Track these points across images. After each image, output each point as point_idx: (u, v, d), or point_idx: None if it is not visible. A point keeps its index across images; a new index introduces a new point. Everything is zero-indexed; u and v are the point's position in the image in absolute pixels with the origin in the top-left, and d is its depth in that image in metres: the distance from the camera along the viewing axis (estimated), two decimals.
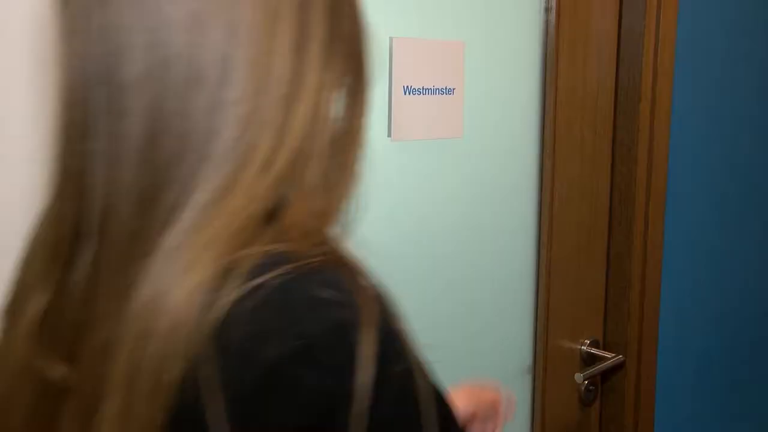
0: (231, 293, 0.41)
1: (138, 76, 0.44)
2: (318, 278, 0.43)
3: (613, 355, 1.47)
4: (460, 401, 0.82)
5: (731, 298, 1.57)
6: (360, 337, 0.41)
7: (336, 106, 0.50)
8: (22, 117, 1.00)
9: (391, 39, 1.17)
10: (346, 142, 0.50)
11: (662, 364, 1.51)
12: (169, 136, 0.44)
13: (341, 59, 0.49)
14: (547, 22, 1.32)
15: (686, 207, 1.50)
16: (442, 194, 1.28)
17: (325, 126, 0.48)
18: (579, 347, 1.46)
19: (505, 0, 1.30)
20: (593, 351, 1.48)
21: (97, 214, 0.46)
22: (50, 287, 0.50)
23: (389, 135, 1.19)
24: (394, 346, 0.43)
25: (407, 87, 1.21)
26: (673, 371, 1.53)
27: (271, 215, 0.46)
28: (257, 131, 0.45)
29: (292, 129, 0.46)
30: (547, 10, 1.32)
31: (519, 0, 1.32)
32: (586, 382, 1.46)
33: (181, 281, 0.42)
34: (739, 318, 1.59)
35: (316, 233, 0.46)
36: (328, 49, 0.48)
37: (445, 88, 1.25)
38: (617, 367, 1.50)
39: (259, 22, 0.45)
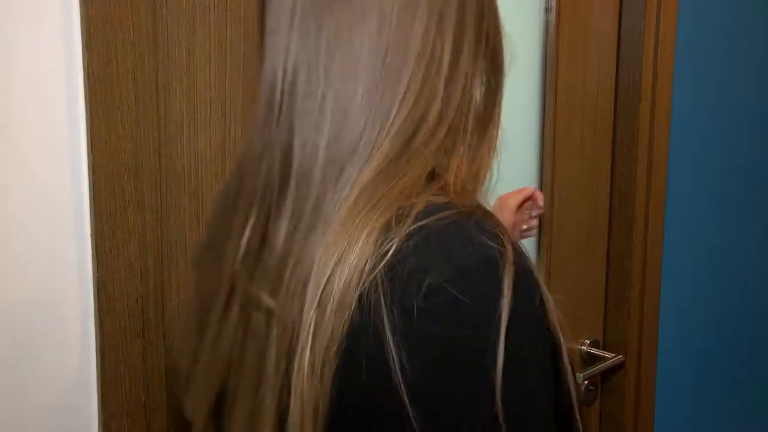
0: (401, 232, 0.53)
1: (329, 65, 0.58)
2: (471, 223, 0.54)
3: (613, 355, 1.47)
4: (504, 215, 1.06)
5: (731, 298, 1.57)
6: (503, 270, 0.52)
7: (478, 91, 0.63)
8: (23, 118, 1.00)
9: None
10: (487, 120, 0.63)
11: (662, 364, 1.51)
12: (356, 113, 0.57)
13: (486, 54, 0.63)
14: (547, 22, 1.32)
15: (686, 207, 1.50)
16: None
17: (472, 106, 0.61)
18: (579, 347, 1.46)
19: (504, 0, 1.31)
20: (593, 351, 1.48)
21: (295, 175, 0.58)
22: (257, 230, 0.62)
23: None
24: (527, 280, 0.54)
25: None
26: (673, 371, 1.53)
27: (433, 176, 0.58)
28: (427, 107, 0.58)
29: (451, 106, 0.59)
30: (547, 10, 1.32)
31: (519, 0, 1.32)
32: (586, 382, 1.46)
33: (364, 224, 0.54)
34: (739, 318, 1.58)
35: (467, 191, 0.59)
36: (477, 45, 0.62)
37: None
38: (617, 367, 1.50)
39: (430, 22, 0.58)
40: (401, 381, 0.51)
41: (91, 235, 1.03)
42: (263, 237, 0.62)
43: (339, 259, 0.54)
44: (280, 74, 0.60)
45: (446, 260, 0.52)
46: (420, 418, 0.51)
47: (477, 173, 0.61)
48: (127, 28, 0.99)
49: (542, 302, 0.56)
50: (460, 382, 0.52)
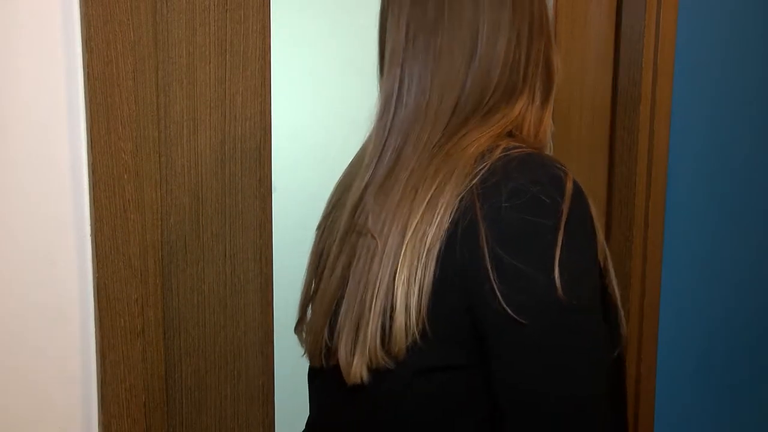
0: (493, 156, 0.75)
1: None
2: (543, 156, 0.77)
3: None
4: None
5: (731, 298, 1.57)
6: (566, 185, 0.72)
7: (541, 74, 0.84)
8: (23, 118, 1.00)
9: None
10: (548, 94, 0.85)
11: (662, 364, 1.51)
12: (451, 107, 0.80)
13: (546, 45, 0.84)
14: None
15: (686, 207, 1.50)
16: None
17: (537, 86, 0.84)
18: None
19: None
20: None
21: (401, 138, 0.81)
22: (365, 177, 0.81)
23: None
24: (582, 198, 0.74)
25: None
26: (673, 371, 1.53)
27: (511, 133, 0.81)
28: (515, 80, 0.81)
29: (527, 83, 0.82)
30: None
31: None
32: None
33: (466, 150, 0.76)
34: (740, 318, 1.59)
35: (536, 143, 0.82)
36: (544, 44, 0.84)
37: None
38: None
39: (511, 38, 0.81)
40: (489, 257, 0.71)
41: (91, 235, 1.03)
42: (380, 185, 0.80)
43: (446, 176, 0.75)
44: (397, 83, 0.81)
45: (525, 174, 0.73)
46: (500, 286, 0.70)
47: (541, 134, 0.84)
48: (127, 28, 0.99)
49: (592, 220, 0.77)
50: (530, 256, 0.71)
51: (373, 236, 0.78)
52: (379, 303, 0.75)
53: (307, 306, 0.92)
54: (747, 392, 1.62)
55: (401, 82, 0.81)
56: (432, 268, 0.73)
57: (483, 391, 0.77)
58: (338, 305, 0.81)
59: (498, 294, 0.70)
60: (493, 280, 0.70)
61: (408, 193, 0.77)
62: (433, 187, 0.75)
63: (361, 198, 0.82)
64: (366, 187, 0.82)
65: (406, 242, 0.75)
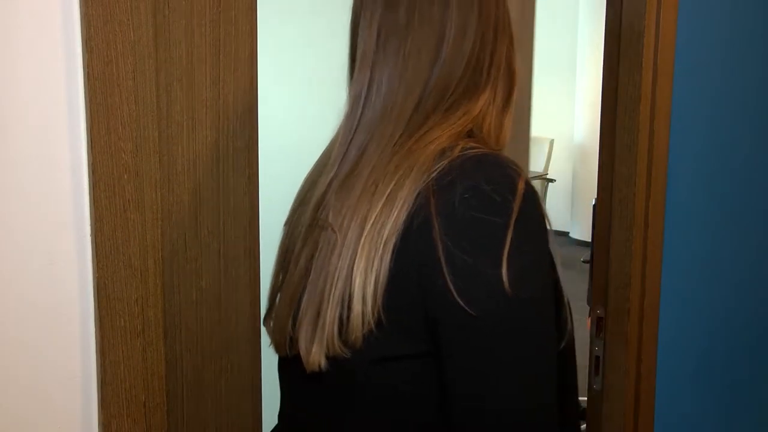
0: (450, 155, 0.78)
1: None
2: (497, 156, 0.79)
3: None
4: None
5: (731, 298, 1.57)
6: (518, 184, 0.75)
7: (504, 79, 0.88)
8: (23, 118, 1.00)
9: None
10: (508, 98, 0.89)
11: (662, 364, 1.51)
12: (418, 100, 0.83)
13: (509, 50, 0.89)
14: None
15: (686, 207, 1.50)
16: None
17: (498, 89, 0.87)
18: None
19: None
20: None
21: (366, 135, 0.84)
22: (330, 174, 0.85)
23: None
24: (534, 198, 0.77)
25: None
26: (673, 371, 1.53)
27: (472, 132, 0.84)
28: (478, 79, 0.85)
29: (489, 82, 0.86)
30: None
31: None
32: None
33: (427, 148, 0.80)
34: (740, 318, 1.59)
35: (496, 146, 0.86)
36: (507, 48, 0.88)
37: None
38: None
39: (476, 41, 0.85)
40: (442, 251, 0.74)
41: (91, 235, 1.03)
42: (343, 180, 0.84)
43: (406, 171, 0.79)
44: (366, 84, 0.85)
45: (479, 173, 0.76)
46: (453, 279, 0.74)
47: (500, 137, 0.88)
48: (127, 28, 0.99)
49: (542, 219, 0.79)
50: (480, 252, 0.74)
51: (333, 230, 0.81)
52: (338, 293, 0.79)
53: (274, 299, 0.95)
54: (747, 392, 1.62)
55: (370, 83, 0.85)
56: (388, 260, 0.77)
57: (436, 380, 0.80)
58: (301, 297, 0.84)
59: (451, 287, 0.74)
60: (446, 274, 0.74)
61: (368, 187, 0.80)
62: (393, 183, 0.79)
63: (324, 194, 0.85)
64: (330, 183, 0.85)
65: (365, 235, 0.78)
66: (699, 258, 1.53)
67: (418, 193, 0.77)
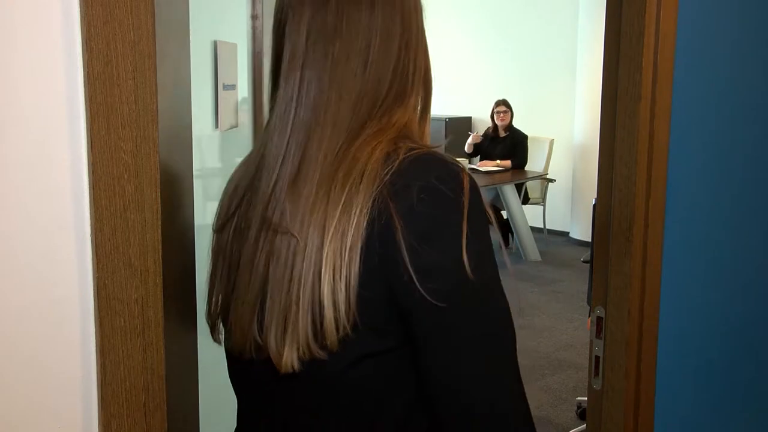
0: (398, 157, 0.83)
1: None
2: (438, 155, 0.85)
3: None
4: None
5: (731, 298, 1.57)
6: (464, 179, 0.82)
7: (421, 93, 0.94)
8: (23, 118, 1.00)
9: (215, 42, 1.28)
10: (426, 103, 0.95)
11: (662, 364, 1.51)
12: (352, 105, 0.88)
13: (425, 63, 0.94)
14: (254, 28, 1.49)
15: (686, 207, 1.50)
16: None
17: (418, 102, 0.93)
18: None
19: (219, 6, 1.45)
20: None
21: (303, 139, 0.87)
22: (272, 175, 0.88)
23: (216, 126, 1.33)
24: (477, 190, 0.83)
25: (225, 84, 1.37)
26: (673, 371, 1.53)
27: (406, 135, 0.89)
28: (404, 86, 0.91)
29: (413, 89, 0.92)
30: (253, 17, 1.46)
31: (226, 4, 1.43)
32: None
33: (371, 154, 0.84)
34: (740, 318, 1.59)
35: (425, 144, 0.89)
36: (424, 60, 0.94)
37: (232, 85, 1.40)
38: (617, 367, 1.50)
39: (401, 49, 0.90)
40: (406, 250, 0.80)
41: (91, 235, 1.03)
42: (290, 183, 0.86)
43: (356, 179, 0.83)
44: (296, 85, 0.88)
45: (430, 173, 0.82)
46: (417, 276, 0.80)
47: (425, 138, 0.94)
48: (127, 28, 0.99)
49: (484, 207, 0.84)
50: (442, 246, 0.81)
51: (293, 234, 0.84)
52: (306, 299, 0.83)
53: (214, 300, 0.97)
54: (746, 392, 1.62)
55: (301, 84, 0.88)
56: (356, 266, 0.81)
57: (411, 371, 0.86)
58: (263, 301, 0.87)
59: (416, 283, 0.80)
60: (411, 271, 0.80)
61: (321, 195, 0.84)
62: (346, 190, 0.83)
63: (271, 195, 0.87)
64: (275, 184, 0.87)
65: (326, 243, 0.82)
66: (699, 258, 1.53)
67: (374, 199, 0.82)
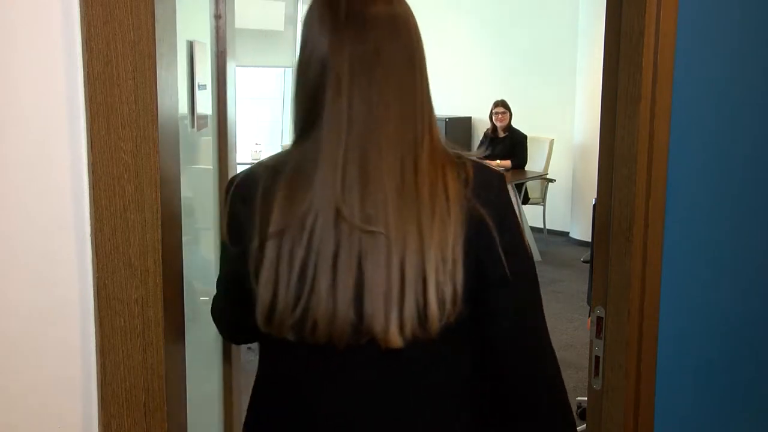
0: (468, 174, 1.04)
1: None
2: (482, 162, 1.09)
3: None
4: None
5: (731, 298, 1.57)
6: (506, 183, 1.08)
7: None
8: (23, 118, 1.00)
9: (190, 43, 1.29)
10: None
11: (662, 364, 1.51)
12: (399, 128, 1.03)
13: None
14: (217, 28, 1.52)
15: (686, 207, 1.50)
16: None
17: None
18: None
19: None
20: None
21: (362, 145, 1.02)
22: (335, 184, 1.01)
23: (193, 126, 1.35)
24: (507, 188, 1.08)
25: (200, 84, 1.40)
26: (673, 371, 1.53)
27: (445, 145, 1.09)
28: (431, 121, 1.08)
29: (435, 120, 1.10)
30: (216, 17, 1.47)
31: (191, 5, 1.46)
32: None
33: (443, 171, 1.03)
34: (740, 318, 1.59)
35: (466, 153, 1.11)
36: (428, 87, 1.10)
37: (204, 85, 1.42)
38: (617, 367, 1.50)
39: (423, 78, 1.07)
40: (499, 247, 1.04)
41: (91, 235, 1.03)
42: (360, 191, 1.00)
43: (441, 187, 1.02)
44: (345, 104, 1.00)
45: (494, 180, 1.07)
46: (508, 259, 1.04)
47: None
48: (127, 28, 0.99)
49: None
50: (514, 235, 1.07)
51: (386, 236, 0.98)
52: (411, 296, 0.98)
53: (279, 304, 1.02)
54: (747, 392, 1.62)
55: (350, 104, 1.00)
56: (460, 273, 1.00)
57: (470, 337, 1.09)
58: (359, 294, 0.99)
59: (506, 264, 1.04)
60: (503, 259, 1.04)
61: (408, 204, 1.00)
62: (436, 204, 1.00)
63: (342, 201, 0.99)
64: (344, 192, 0.99)
65: (427, 249, 0.99)
66: (699, 258, 1.53)
67: (464, 205, 1.02)
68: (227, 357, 1.62)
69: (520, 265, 1.07)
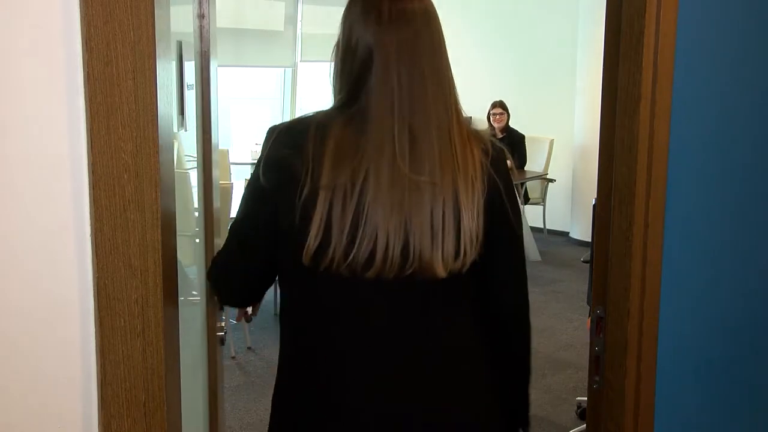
0: (485, 140, 1.30)
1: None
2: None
3: None
4: None
5: (731, 298, 1.57)
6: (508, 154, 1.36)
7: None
8: (23, 118, 1.00)
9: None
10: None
11: (662, 364, 1.51)
12: (438, 102, 1.26)
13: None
14: (201, 27, 1.48)
15: (686, 207, 1.50)
16: None
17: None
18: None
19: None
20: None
21: (424, 131, 1.23)
22: (403, 142, 1.22)
23: (181, 126, 1.37)
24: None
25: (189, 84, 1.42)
26: (673, 371, 1.53)
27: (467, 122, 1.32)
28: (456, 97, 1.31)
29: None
30: (200, 16, 1.50)
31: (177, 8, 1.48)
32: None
33: (470, 143, 1.27)
34: (740, 318, 1.59)
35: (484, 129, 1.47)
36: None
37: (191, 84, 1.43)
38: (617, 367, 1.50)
39: (448, 62, 1.30)
40: (507, 201, 1.29)
41: (91, 235, 1.03)
42: (410, 150, 1.21)
43: (471, 158, 1.25)
44: (395, 80, 1.21)
45: (503, 152, 1.32)
46: (512, 217, 1.31)
47: None
48: (127, 28, 0.99)
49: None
50: (515, 203, 1.31)
51: (433, 183, 1.21)
52: (451, 232, 1.21)
53: (332, 243, 1.19)
54: (747, 392, 1.62)
55: (399, 80, 1.21)
56: (482, 213, 1.25)
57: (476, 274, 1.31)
58: (407, 231, 1.20)
59: (512, 221, 1.32)
60: (510, 215, 1.31)
61: (446, 165, 1.22)
62: (468, 169, 1.24)
63: (398, 155, 1.20)
64: (394, 153, 1.20)
65: (462, 199, 1.22)
66: (699, 258, 1.53)
67: (486, 170, 1.27)
68: (212, 360, 1.62)
69: (518, 228, 1.34)
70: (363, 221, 1.18)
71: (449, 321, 1.31)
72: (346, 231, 1.17)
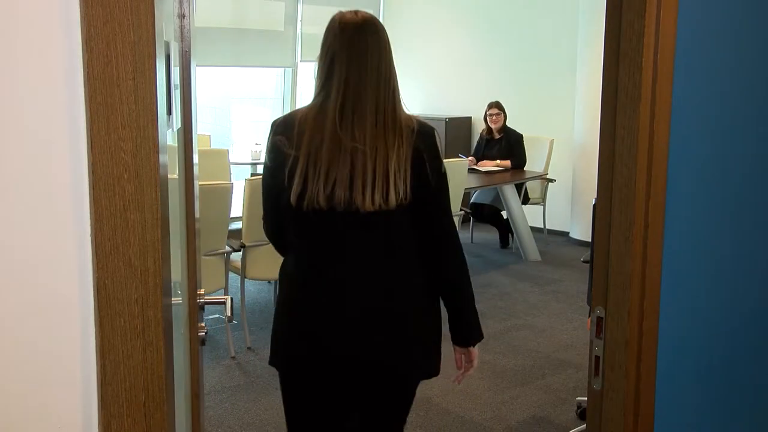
0: (416, 120, 1.90)
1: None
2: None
3: None
4: None
5: (732, 298, 1.57)
6: (437, 136, 1.94)
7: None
8: (23, 118, 1.00)
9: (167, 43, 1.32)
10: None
11: (662, 364, 1.51)
12: (378, 91, 1.86)
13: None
14: (181, 27, 1.46)
15: (686, 207, 1.50)
16: None
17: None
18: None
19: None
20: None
21: (366, 112, 1.84)
22: (336, 120, 1.84)
23: (169, 126, 1.38)
24: (437, 138, 1.97)
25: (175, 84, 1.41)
26: (673, 371, 1.53)
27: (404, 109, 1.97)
28: (397, 83, 1.93)
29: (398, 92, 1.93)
30: (181, 16, 1.49)
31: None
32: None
33: (404, 121, 1.87)
34: (740, 318, 1.59)
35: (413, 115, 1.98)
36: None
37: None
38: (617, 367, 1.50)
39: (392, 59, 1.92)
40: (428, 162, 1.86)
41: (91, 235, 1.03)
42: (351, 125, 1.81)
43: (402, 130, 1.83)
44: (345, 77, 1.82)
45: (429, 129, 1.90)
46: (432, 176, 1.87)
47: None
48: (127, 28, 0.99)
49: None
50: (438, 165, 1.90)
51: (371, 149, 1.79)
52: (381, 182, 1.78)
53: (309, 188, 1.81)
54: (747, 392, 1.62)
55: (348, 78, 1.81)
56: (408, 169, 1.80)
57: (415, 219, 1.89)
58: (352, 178, 1.78)
59: (432, 176, 1.85)
60: (429, 172, 1.84)
61: (380, 134, 1.80)
62: (399, 135, 1.81)
63: (338, 129, 1.79)
64: (342, 126, 1.80)
65: (392, 157, 1.79)
66: (699, 258, 1.53)
67: (413, 141, 1.82)
68: (194, 363, 1.61)
69: (439, 181, 1.87)
70: (323, 174, 1.79)
71: (397, 243, 1.89)
72: (316, 181, 1.79)
